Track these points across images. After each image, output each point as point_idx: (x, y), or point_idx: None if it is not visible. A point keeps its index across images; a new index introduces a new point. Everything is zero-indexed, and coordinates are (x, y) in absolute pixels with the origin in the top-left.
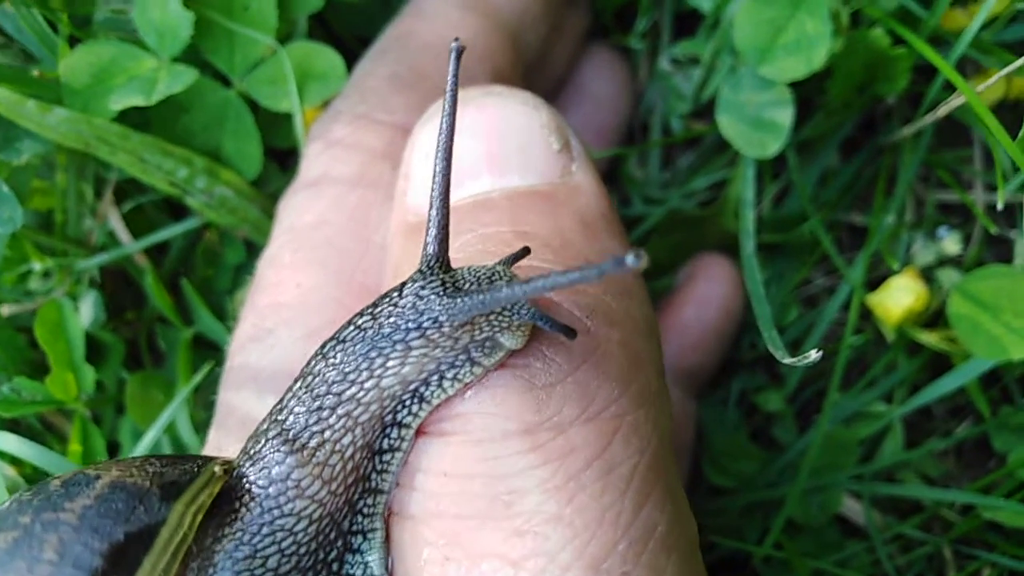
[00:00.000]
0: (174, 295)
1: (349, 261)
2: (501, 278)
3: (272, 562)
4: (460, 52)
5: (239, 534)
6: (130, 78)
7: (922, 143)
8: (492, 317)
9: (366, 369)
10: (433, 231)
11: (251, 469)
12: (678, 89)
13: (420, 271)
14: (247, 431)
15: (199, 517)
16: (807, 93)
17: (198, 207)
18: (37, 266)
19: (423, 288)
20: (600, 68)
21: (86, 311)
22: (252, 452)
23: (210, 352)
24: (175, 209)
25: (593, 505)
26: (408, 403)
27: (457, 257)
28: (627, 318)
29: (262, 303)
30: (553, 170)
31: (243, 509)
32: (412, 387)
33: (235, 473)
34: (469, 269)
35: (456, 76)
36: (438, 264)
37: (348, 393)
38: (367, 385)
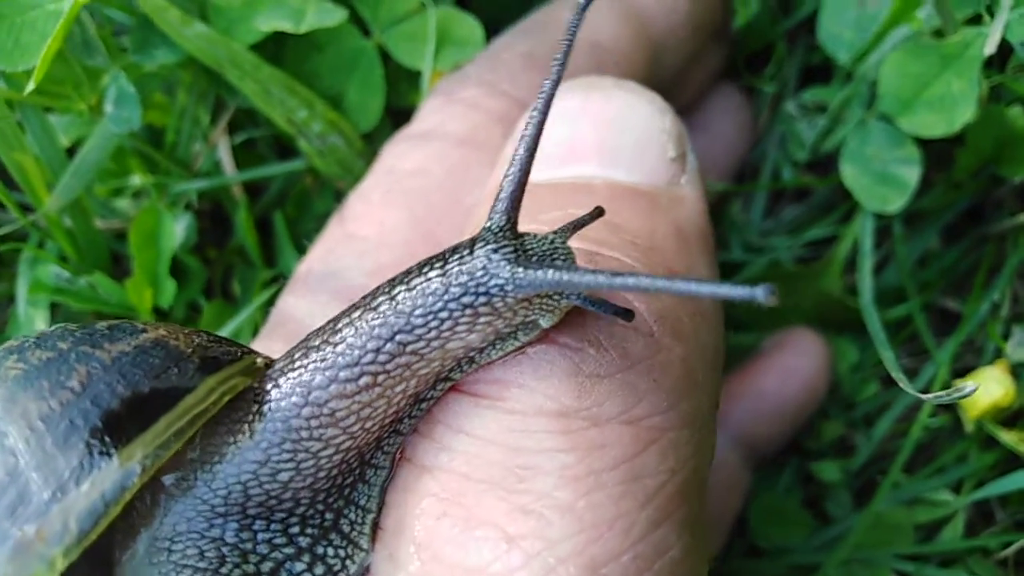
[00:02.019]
0: (261, 233)
1: (435, 213)
2: (563, 255)
3: (284, 476)
4: (586, 5)
5: (257, 437)
6: (279, 5)
7: None
8: (541, 300)
9: (435, 328)
10: (509, 188)
11: (289, 378)
12: (800, 136)
13: (491, 231)
14: (294, 343)
15: (226, 398)
16: (925, 168)
17: (308, 151)
18: (137, 179)
19: (495, 251)
20: (725, 105)
21: (179, 231)
22: (296, 361)
23: None
24: (283, 153)
25: (608, 506)
26: (463, 364)
27: (541, 230)
28: (695, 338)
29: (341, 231)
30: (662, 175)
31: (269, 415)
32: (471, 353)
33: (272, 374)
34: (535, 238)
35: (575, 30)
36: (508, 226)
37: (412, 347)
38: (434, 344)
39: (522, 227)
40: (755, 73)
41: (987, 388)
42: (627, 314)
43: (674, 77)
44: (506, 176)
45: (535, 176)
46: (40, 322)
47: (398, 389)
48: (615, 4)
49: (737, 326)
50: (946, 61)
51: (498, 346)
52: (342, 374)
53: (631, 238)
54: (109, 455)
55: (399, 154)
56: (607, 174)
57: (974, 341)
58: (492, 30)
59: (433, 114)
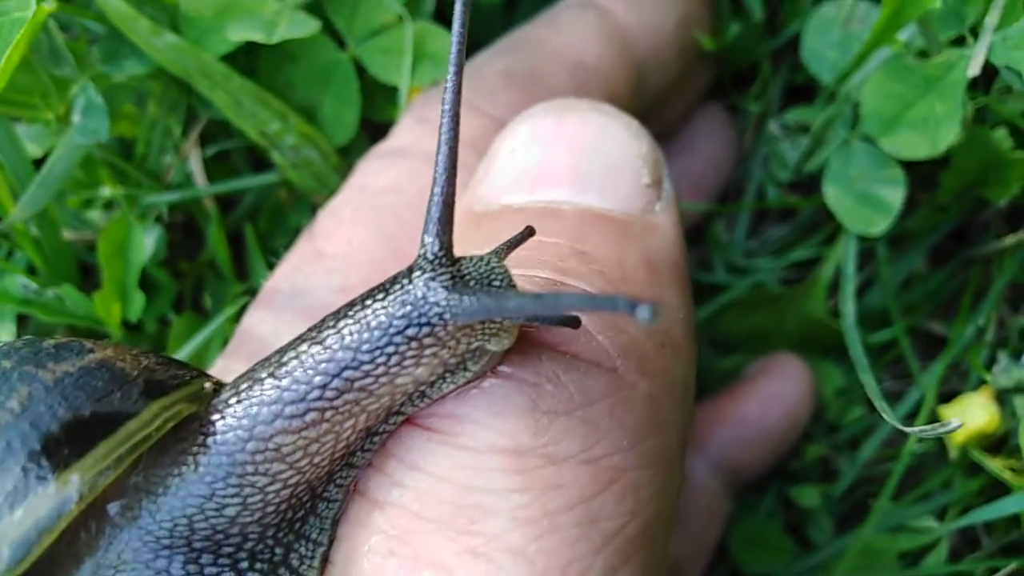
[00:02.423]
0: (234, 247)
1: (405, 231)
2: (500, 276)
3: (230, 511)
4: (467, 5)
5: (202, 470)
6: (250, 16)
7: (1020, 256)
8: (483, 325)
9: (383, 364)
10: (436, 212)
11: (235, 411)
12: (783, 156)
13: (426, 258)
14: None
15: (169, 424)
16: (910, 189)
17: (281, 163)
18: (107, 191)
19: (432, 279)
20: (710, 124)
21: (149, 244)
22: (242, 392)
23: None
24: (257, 165)
25: (562, 550)
26: (416, 400)
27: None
28: (663, 373)
29: (309, 248)
30: (635, 202)
31: (214, 448)
32: (422, 388)
33: (218, 404)
34: (471, 261)
35: (464, 27)
36: (443, 251)
37: (360, 383)
38: (382, 380)
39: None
40: (740, 92)
41: (972, 415)
42: (573, 322)
43: (659, 97)
44: (431, 200)
45: (508, 199)
46: (5, 334)
47: (347, 424)
48: (599, 24)
49: (720, 349)
50: (929, 82)
51: (448, 379)
52: (287, 409)
53: (599, 267)
54: (46, 480)
55: (372, 171)
56: (578, 199)
57: (960, 364)
58: (470, 46)
59: (408, 131)
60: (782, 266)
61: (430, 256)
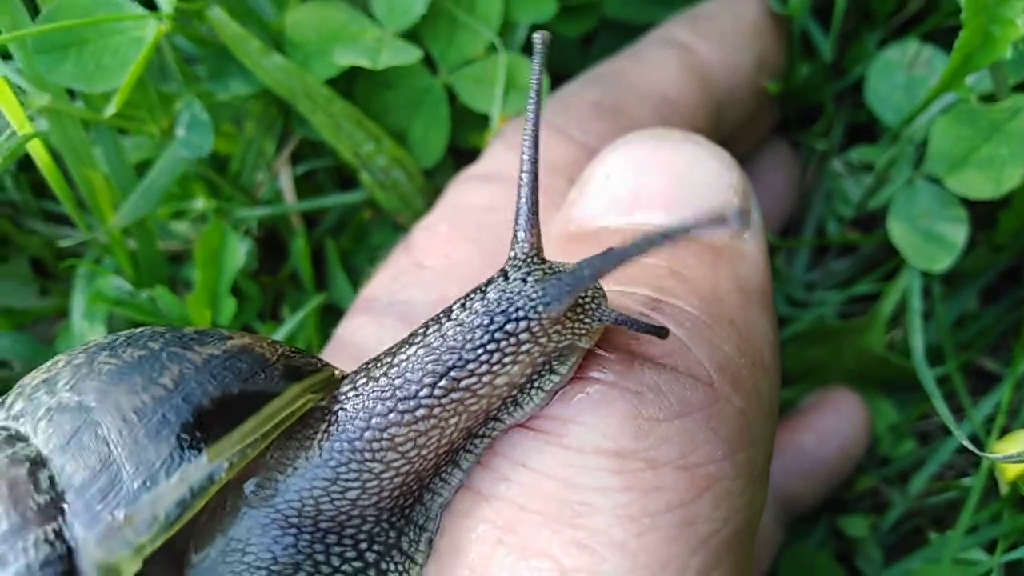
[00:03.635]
0: (313, 265)
1: (501, 249)
2: None
3: (352, 494)
4: (546, 42)
5: (326, 455)
6: (353, 42)
7: None
8: (573, 324)
9: (486, 362)
10: (523, 218)
11: (354, 403)
12: (846, 193)
13: (518, 258)
14: (355, 367)
15: (308, 405)
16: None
17: (369, 184)
18: (200, 203)
19: (528, 275)
20: (775, 160)
21: (241, 253)
22: (359, 386)
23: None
24: (341, 184)
25: (661, 549)
26: (510, 407)
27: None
28: (754, 391)
29: (406, 261)
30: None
31: (336, 435)
32: (514, 393)
33: (337, 395)
34: (560, 264)
35: (542, 68)
36: (533, 252)
37: (465, 383)
38: (484, 379)
39: None
40: (803, 129)
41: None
42: (661, 331)
43: (734, 133)
44: (518, 205)
45: (605, 221)
46: (96, 335)
47: (451, 421)
48: (682, 60)
49: (785, 380)
50: (995, 126)
51: (536, 384)
52: (400, 405)
53: (694, 288)
54: (199, 450)
55: (464, 191)
56: (673, 223)
57: (1009, 402)
58: (551, 78)
59: (497, 156)
60: (842, 300)
61: (521, 255)
